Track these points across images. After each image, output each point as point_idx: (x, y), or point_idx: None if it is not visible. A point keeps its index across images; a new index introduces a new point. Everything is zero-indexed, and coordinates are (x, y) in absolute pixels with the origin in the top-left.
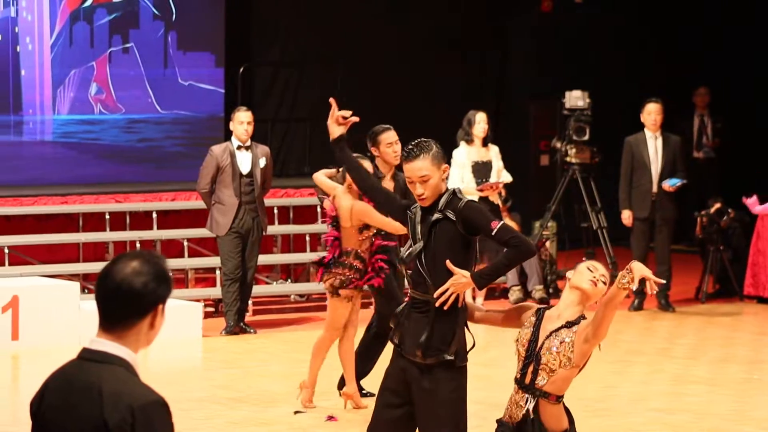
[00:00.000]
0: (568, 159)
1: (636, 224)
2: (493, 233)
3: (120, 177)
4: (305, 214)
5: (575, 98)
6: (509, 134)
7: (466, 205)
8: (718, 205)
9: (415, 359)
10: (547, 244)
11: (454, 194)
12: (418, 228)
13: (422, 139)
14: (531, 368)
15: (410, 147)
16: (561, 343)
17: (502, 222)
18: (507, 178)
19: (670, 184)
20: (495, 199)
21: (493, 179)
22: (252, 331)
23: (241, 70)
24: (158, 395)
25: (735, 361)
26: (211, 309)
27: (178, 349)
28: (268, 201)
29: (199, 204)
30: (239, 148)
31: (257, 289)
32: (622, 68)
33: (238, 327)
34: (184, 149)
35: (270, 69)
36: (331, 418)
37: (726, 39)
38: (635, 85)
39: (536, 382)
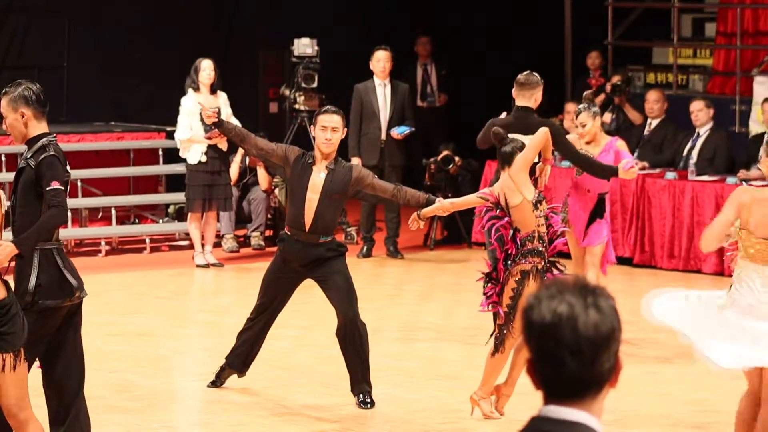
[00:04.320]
0: (296, 106)
1: None
2: (45, 189)
3: None
4: None
5: (304, 46)
6: (238, 81)
7: (45, 159)
8: (446, 153)
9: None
10: (276, 191)
11: (44, 147)
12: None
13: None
14: None
15: None
16: None
17: (60, 187)
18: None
19: (399, 131)
20: (223, 145)
21: None
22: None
23: None
24: None
25: (463, 307)
26: None
27: None
28: None
29: None
30: None
31: None
32: (350, 16)
33: None
34: None
35: None
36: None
37: None
38: (363, 33)
39: None
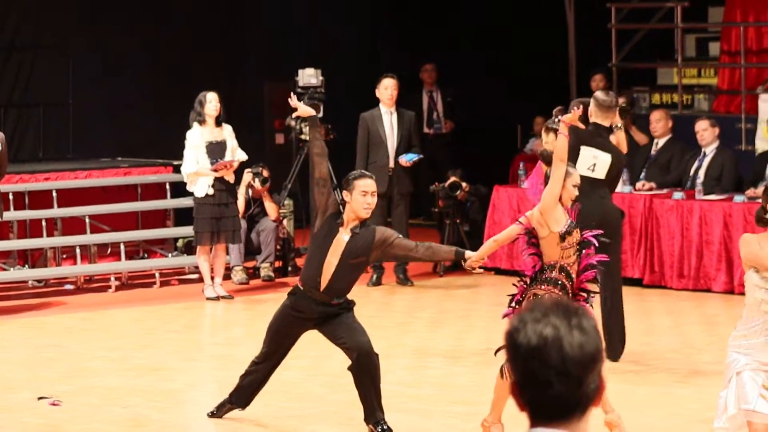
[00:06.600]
0: (303, 137)
1: None
2: None
3: None
4: (40, 200)
5: (308, 76)
6: (244, 113)
7: None
8: (453, 179)
9: None
10: (284, 222)
11: None
12: None
13: None
14: None
15: None
16: None
17: None
18: (242, 156)
19: (407, 159)
20: (230, 177)
21: (228, 158)
22: None
23: None
24: None
25: (474, 333)
26: None
27: None
28: (3, 187)
29: None
30: None
31: None
32: (354, 46)
33: None
34: None
35: (2, 54)
36: (54, 403)
37: (452, 14)
38: (366, 62)
39: None
